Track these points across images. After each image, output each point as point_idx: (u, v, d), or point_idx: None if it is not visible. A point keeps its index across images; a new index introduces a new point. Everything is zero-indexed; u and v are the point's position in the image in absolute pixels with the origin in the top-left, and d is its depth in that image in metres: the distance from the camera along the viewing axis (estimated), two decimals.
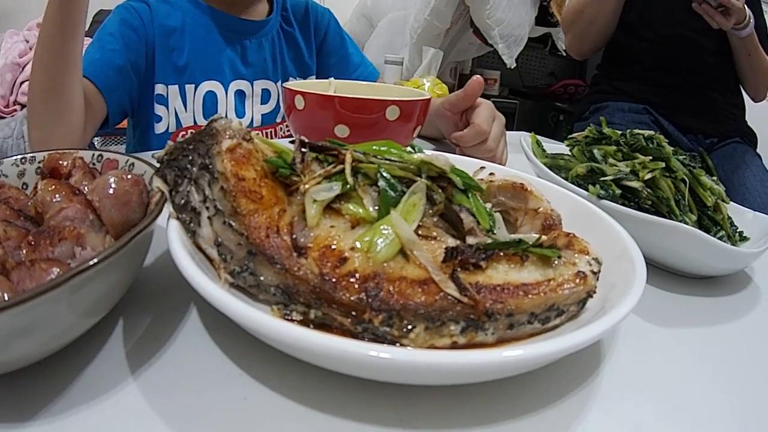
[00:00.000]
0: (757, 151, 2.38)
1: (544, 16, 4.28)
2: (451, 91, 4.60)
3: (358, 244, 0.58)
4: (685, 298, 0.88)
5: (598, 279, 0.61)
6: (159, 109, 1.53)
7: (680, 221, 0.90)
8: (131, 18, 1.58)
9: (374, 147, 0.71)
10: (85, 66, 1.37)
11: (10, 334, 0.45)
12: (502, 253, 0.59)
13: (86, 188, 0.71)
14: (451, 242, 0.61)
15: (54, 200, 0.67)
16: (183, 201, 0.61)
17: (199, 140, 0.65)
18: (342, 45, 1.87)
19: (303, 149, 0.67)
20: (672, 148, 1.07)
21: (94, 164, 0.81)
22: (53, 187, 0.69)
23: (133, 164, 0.77)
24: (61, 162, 0.79)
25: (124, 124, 1.67)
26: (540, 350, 0.47)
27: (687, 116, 2.32)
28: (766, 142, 2.49)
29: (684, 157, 1.05)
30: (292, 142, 0.69)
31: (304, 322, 0.55)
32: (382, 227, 0.59)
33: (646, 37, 2.36)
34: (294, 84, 1.25)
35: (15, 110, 4.01)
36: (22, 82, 4.08)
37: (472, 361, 0.46)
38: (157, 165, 0.66)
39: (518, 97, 5.32)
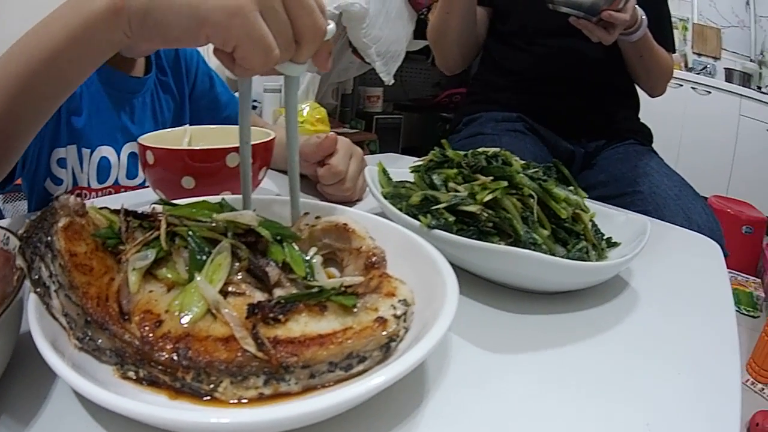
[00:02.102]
0: (653, 146, 2.34)
1: (422, 29, 4.31)
2: (332, 112, 4.70)
3: (171, 307, 0.61)
4: (546, 318, 0.88)
5: (405, 320, 0.63)
6: (60, 172, 1.50)
7: (527, 239, 0.91)
8: None
9: (190, 208, 0.75)
10: None
11: None
12: (302, 305, 0.62)
13: None
14: (259, 296, 0.64)
15: None
16: (37, 276, 0.63)
17: (43, 218, 0.68)
18: (211, 85, 1.86)
19: (127, 218, 0.71)
20: (523, 162, 1.08)
21: None
22: None
23: (8, 238, 0.75)
24: None
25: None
26: (326, 402, 0.49)
27: (566, 123, 2.27)
28: (663, 136, 2.44)
29: (536, 170, 1.06)
30: (118, 211, 0.72)
31: (139, 381, 0.58)
32: (192, 289, 0.62)
33: (522, 47, 2.31)
34: (147, 137, 1.25)
35: None
36: None
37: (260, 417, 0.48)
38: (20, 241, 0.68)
39: (403, 111, 5.47)
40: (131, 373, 0.59)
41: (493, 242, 0.89)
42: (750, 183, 5.66)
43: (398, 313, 0.63)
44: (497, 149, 1.12)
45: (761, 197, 5.30)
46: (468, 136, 2.28)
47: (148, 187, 1.47)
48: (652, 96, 2.37)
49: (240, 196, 0.89)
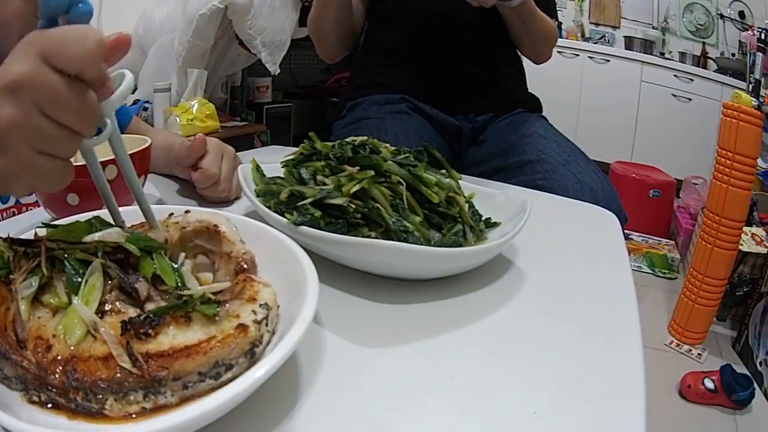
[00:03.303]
0: (543, 114, 2.33)
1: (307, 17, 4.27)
2: (222, 106, 4.72)
3: (57, 331, 0.65)
4: (428, 305, 0.90)
5: (266, 325, 0.67)
6: None
7: (398, 228, 0.94)
8: None
9: (66, 229, 0.78)
10: None
11: None
12: (169, 317, 0.65)
13: None
14: (132, 312, 0.68)
15: None
16: None
17: None
18: None
19: (13, 247, 0.74)
20: (393, 149, 1.11)
21: None
22: None
23: None
24: None
25: None
26: (192, 413, 0.54)
27: (451, 98, 2.23)
28: (559, 106, 2.40)
29: (407, 155, 1.07)
30: (4, 239, 0.75)
31: (42, 404, 0.63)
32: (71, 312, 0.66)
33: (400, 25, 2.27)
34: None
35: None
36: None
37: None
38: None
39: (293, 99, 5.43)
40: (35, 398, 0.63)
41: (362, 234, 0.93)
42: (655, 147, 5.82)
43: (259, 318, 0.66)
44: (364, 138, 1.15)
45: (668, 160, 5.42)
46: (352, 121, 2.26)
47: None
48: (537, 63, 2.35)
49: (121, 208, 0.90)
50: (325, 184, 1.03)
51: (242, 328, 0.65)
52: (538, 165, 1.92)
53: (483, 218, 1.10)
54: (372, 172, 0.99)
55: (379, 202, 0.97)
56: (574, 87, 5.89)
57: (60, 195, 1.12)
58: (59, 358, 0.63)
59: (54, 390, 0.62)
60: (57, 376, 0.62)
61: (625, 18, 6.18)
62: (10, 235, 0.77)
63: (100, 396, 0.61)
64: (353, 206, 0.96)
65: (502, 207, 1.13)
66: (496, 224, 1.10)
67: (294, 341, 0.62)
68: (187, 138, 1.39)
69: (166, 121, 3.84)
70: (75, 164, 1.09)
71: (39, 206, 1.47)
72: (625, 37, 6.17)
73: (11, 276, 0.72)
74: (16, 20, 1.33)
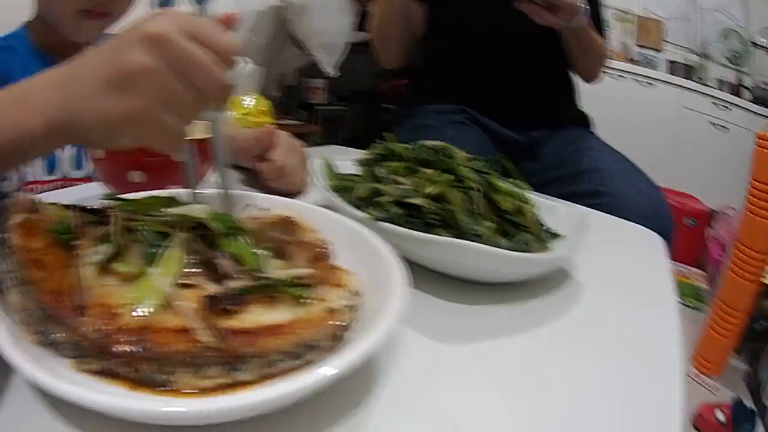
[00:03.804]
0: (592, 131, 2.39)
1: (365, 21, 4.23)
2: (275, 104, 4.67)
3: (127, 300, 0.63)
4: (492, 308, 0.91)
5: (354, 310, 0.66)
6: None
7: (470, 231, 0.94)
8: None
9: (142, 202, 0.78)
10: None
11: None
12: (255, 296, 0.65)
13: None
14: (212, 288, 0.66)
15: None
16: None
17: None
18: None
19: (79, 214, 0.73)
20: (468, 156, 1.11)
21: None
22: None
23: None
24: None
25: None
26: (283, 389, 0.53)
27: (508, 111, 2.29)
28: (601, 120, 2.46)
29: (482, 163, 1.08)
30: (71, 207, 0.75)
31: (97, 373, 0.60)
32: (145, 282, 0.65)
33: (461, 36, 2.32)
34: None
35: None
36: None
37: (216, 406, 0.52)
38: None
39: (346, 102, 5.50)
40: (89, 366, 0.60)
41: (438, 234, 0.91)
42: (693, 175, 5.68)
43: (347, 303, 0.66)
44: (441, 143, 1.15)
45: (704, 189, 5.34)
46: (412, 128, 2.28)
47: (96, 180, 1.46)
48: (588, 82, 2.42)
49: (190, 191, 0.92)
50: (402, 183, 1.04)
51: (331, 311, 0.64)
52: (594, 174, 1.96)
53: (547, 229, 1.09)
54: (450, 176, 1.02)
55: (454, 205, 0.97)
56: (620, 110, 5.79)
57: (123, 171, 1.13)
58: (127, 327, 0.61)
59: (116, 359, 0.59)
60: (122, 345, 0.59)
61: (666, 41, 6.12)
62: (74, 203, 0.77)
63: (171, 368, 0.58)
64: (431, 207, 0.97)
65: (563, 219, 1.12)
66: (557, 235, 1.08)
67: (386, 329, 0.60)
68: (253, 129, 1.42)
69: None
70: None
71: (84, 180, 1.56)
72: (668, 60, 6.08)
73: (74, 242, 0.70)
74: None
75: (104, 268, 0.68)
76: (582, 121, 2.41)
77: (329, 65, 4.05)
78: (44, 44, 1.61)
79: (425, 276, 0.93)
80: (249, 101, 3.70)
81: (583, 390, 0.73)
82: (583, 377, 0.76)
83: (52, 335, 0.62)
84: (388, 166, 1.12)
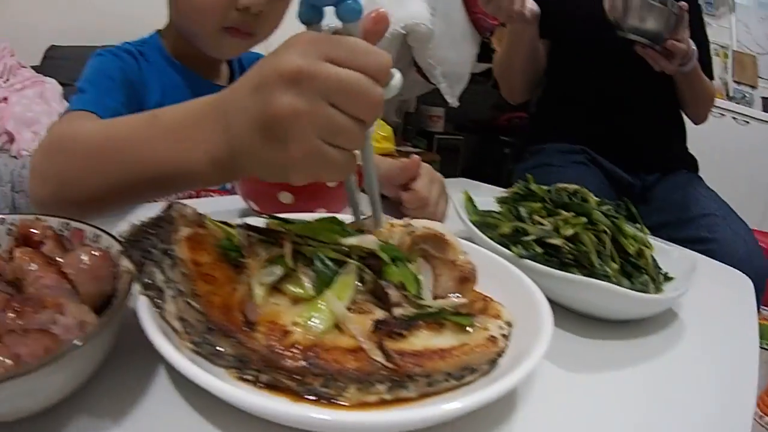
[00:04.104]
0: (699, 174, 2.44)
1: (486, 52, 4.33)
2: (396, 129, 4.66)
3: (299, 320, 0.67)
4: (608, 342, 0.94)
5: (508, 339, 0.70)
6: None
7: (600, 272, 0.98)
8: (128, 70, 1.55)
9: (313, 228, 0.81)
10: (100, 108, 1.30)
11: (14, 395, 0.54)
12: (423, 322, 0.69)
13: (59, 258, 0.76)
14: (380, 314, 0.70)
15: (30, 268, 0.72)
16: (149, 280, 0.67)
17: (158, 225, 0.73)
18: None
19: (249, 233, 0.77)
20: (597, 200, 1.15)
21: (62, 231, 0.84)
22: (29, 256, 0.73)
23: (99, 236, 0.82)
24: (32, 230, 0.82)
25: None
26: (454, 406, 0.56)
27: (625, 155, 2.35)
28: (707, 162, 2.50)
29: (609, 207, 1.12)
30: (239, 226, 0.79)
31: (257, 384, 0.64)
32: (319, 304, 0.69)
33: (582, 77, 2.39)
34: None
35: None
36: None
37: (391, 418, 0.57)
38: (122, 244, 0.73)
39: (463, 132, 5.47)
40: (250, 377, 0.64)
41: (572, 273, 0.95)
42: None
43: (505, 332, 0.70)
44: (576, 186, 1.19)
45: None
46: (535, 166, 2.35)
47: (231, 192, 1.54)
48: (696, 123, 2.46)
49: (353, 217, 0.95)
50: (542, 224, 1.08)
51: (493, 339, 0.68)
52: (702, 220, 2.07)
53: (662, 272, 1.12)
54: (585, 219, 1.05)
55: (587, 247, 1.01)
56: (718, 149, 5.64)
57: (273, 191, 1.17)
58: (299, 344, 0.65)
59: (284, 373, 0.63)
60: (294, 360, 0.63)
61: (762, 78, 6.01)
62: (246, 222, 0.81)
63: (342, 384, 0.62)
64: (567, 247, 1.01)
65: (676, 262, 1.15)
66: (670, 278, 1.11)
67: (537, 357, 0.64)
68: (399, 159, 1.44)
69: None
70: None
71: (219, 192, 1.59)
72: (762, 98, 5.94)
73: (241, 260, 0.75)
74: (214, 9, 1.42)
75: (275, 287, 0.73)
76: (691, 164, 2.46)
77: (451, 95, 4.05)
78: (177, 53, 1.64)
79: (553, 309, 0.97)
80: (371, 127, 3.75)
81: (663, 418, 0.77)
82: (669, 408, 0.79)
83: (215, 346, 0.66)
84: (529, 206, 1.15)
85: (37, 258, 0.73)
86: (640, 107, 2.34)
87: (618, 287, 0.89)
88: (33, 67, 4.72)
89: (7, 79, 4.39)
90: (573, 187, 1.19)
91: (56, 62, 4.93)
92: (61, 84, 4.49)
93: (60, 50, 5.05)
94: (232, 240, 0.77)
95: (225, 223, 0.81)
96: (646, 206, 2.29)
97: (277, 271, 0.73)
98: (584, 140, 2.38)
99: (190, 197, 1.52)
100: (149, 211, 0.80)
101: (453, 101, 4.08)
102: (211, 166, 0.81)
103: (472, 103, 5.41)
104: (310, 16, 0.73)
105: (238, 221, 0.82)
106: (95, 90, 1.41)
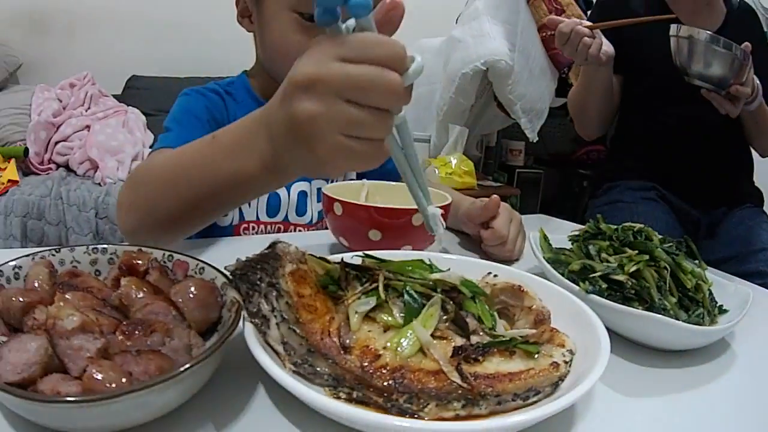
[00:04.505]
0: (765, 209, 2.48)
1: (563, 87, 4.34)
2: (477, 163, 4.65)
3: (389, 345, 0.79)
4: (663, 370, 1.00)
5: (570, 365, 0.79)
6: None
7: (659, 306, 1.05)
8: (214, 109, 1.63)
9: (403, 266, 0.93)
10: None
11: (127, 408, 0.63)
12: (495, 349, 0.80)
13: (164, 287, 0.86)
14: (459, 341, 0.81)
15: (138, 296, 0.81)
16: (255, 309, 0.79)
17: (265, 261, 0.86)
18: None
19: (346, 269, 0.89)
20: (660, 237, 1.22)
21: (165, 262, 0.94)
22: (136, 285, 0.83)
23: (203, 269, 0.92)
24: (137, 261, 0.92)
25: None
26: (519, 418, 0.68)
27: (696, 191, 2.39)
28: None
29: (670, 244, 1.19)
30: (337, 263, 0.91)
31: (349, 400, 0.74)
32: (407, 332, 0.81)
33: (653, 115, 2.43)
34: (331, 188, 1.42)
35: (50, 168, 4.12)
36: (57, 142, 4.18)
37: (464, 429, 0.69)
38: (230, 276, 0.85)
39: (543, 166, 5.40)
40: (344, 394, 0.75)
41: (634, 307, 1.03)
42: None
43: (567, 359, 0.80)
44: (641, 225, 1.26)
45: None
46: (608, 202, 2.46)
47: (317, 227, 1.66)
48: (763, 156, 2.48)
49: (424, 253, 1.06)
50: (608, 261, 1.16)
51: (555, 365, 0.78)
52: (762, 254, 2.12)
53: (717, 304, 1.18)
54: (647, 257, 1.14)
55: (649, 282, 1.09)
56: None
57: (363, 229, 1.26)
58: (388, 366, 0.77)
59: (373, 390, 0.75)
60: (384, 380, 0.75)
61: None
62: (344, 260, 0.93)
63: (423, 401, 0.73)
64: (630, 283, 1.09)
65: (732, 296, 1.20)
66: (725, 311, 1.17)
67: (593, 380, 0.73)
68: (480, 199, 1.51)
69: (423, 171, 3.92)
70: (387, 207, 1.26)
71: (306, 227, 1.68)
72: None
73: (339, 292, 0.88)
74: (299, 53, 1.47)
75: (368, 316, 0.85)
76: (757, 198, 2.51)
77: (531, 130, 4.06)
78: (264, 93, 1.72)
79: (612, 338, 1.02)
80: (453, 161, 3.77)
81: None
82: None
83: (314, 367, 0.78)
84: (597, 245, 1.24)
85: (142, 286, 0.83)
86: (710, 145, 2.38)
87: (672, 320, 0.97)
88: (114, 96, 4.83)
89: (89, 107, 4.50)
90: (638, 225, 1.26)
91: (137, 92, 5.04)
92: (144, 114, 4.59)
93: (141, 80, 5.15)
94: (331, 275, 0.89)
95: (323, 258, 0.93)
96: (711, 240, 2.35)
97: (371, 302, 0.85)
98: (654, 177, 2.44)
99: (277, 231, 1.65)
100: (252, 247, 0.91)
101: (533, 136, 4.09)
102: (264, 171, 0.88)
103: (552, 137, 5.40)
104: (327, 19, 0.75)
105: (335, 258, 0.93)
106: (180, 128, 1.50)
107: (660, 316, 0.97)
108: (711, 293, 1.17)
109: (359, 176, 1.69)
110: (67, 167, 4.19)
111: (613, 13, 2.34)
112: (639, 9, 2.44)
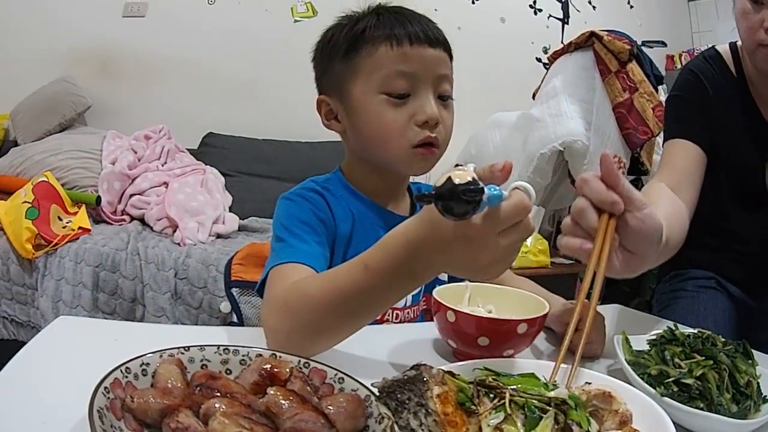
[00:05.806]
0: None
1: (635, 166, 4.48)
2: (548, 237, 4.77)
3: None
4: None
5: None
6: None
7: (717, 402, 1.24)
8: (318, 210, 1.69)
9: (523, 382, 1.15)
10: (305, 258, 1.49)
11: None
12: None
13: (307, 395, 0.94)
14: None
15: (285, 405, 0.87)
16: (404, 424, 0.94)
17: (412, 383, 1.01)
18: None
19: (478, 388, 1.09)
20: (723, 341, 1.42)
21: (301, 369, 1.01)
22: (283, 394, 0.89)
23: (342, 378, 1.01)
24: (277, 370, 0.98)
25: None
26: None
27: (754, 282, 2.50)
28: None
29: (730, 347, 1.39)
30: (471, 382, 1.11)
31: None
32: None
33: (721, 212, 2.53)
34: (438, 292, 1.52)
35: (123, 219, 4.24)
36: (132, 195, 4.29)
37: None
38: (377, 392, 0.99)
39: None
40: None
41: (696, 406, 1.24)
42: None
43: None
44: (708, 332, 1.46)
45: None
46: (672, 290, 2.60)
47: (410, 309, 1.83)
48: None
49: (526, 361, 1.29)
50: (680, 366, 1.34)
51: None
52: None
53: (763, 395, 1.34)
54: (711, 362, 1.32)
55: (711, 384, 1.27)
56: None
57: (473, 335, 1.42)
58: None
59: None
60: None
61: None
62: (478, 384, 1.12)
63: None
64: (696, 385, 1.27)
65: None
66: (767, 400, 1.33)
67: None
68: (570, 302, 1.70)
69: None
70: (498, 318, 1.47)
71: (405, 311, 1.84)
72: None
73: (472, 407, 1.06)
74: (397, 130, 1.66)
75: (497, 427, 1.04)
76: None
77: None
78: (358, 186, 1.82)
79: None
80: (530, 241, 3.91)
81: None
82: None
83: None
84: (672, 350, 1.39)
85: (289, 395, 0.90)
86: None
87: (726, 418, 1.18)
88: (189, 151, 4.87)
89: (165, 162, 4.53)
90: (706, 333, 1.45)
91: (213, 149, 5.11)
92: (222, 174, 4.64)
93: (218, 138, 5.20)
94: (465, 393, 1.08)
95: (457, 377, 1.12)
96: (764, 319, 2.48)
97: (500, 416, 1.03)
98: (718, 270, 2.56)
99: (381, 322, 1.77)
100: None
101: None
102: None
103: None
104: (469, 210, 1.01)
105: (464, 373, 1.15)
106: (297, 240, 1.57)
107: (716, 415, 1.20)
108: (758, 386, 1.35)
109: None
110: (141, 221, 4.30)
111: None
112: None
